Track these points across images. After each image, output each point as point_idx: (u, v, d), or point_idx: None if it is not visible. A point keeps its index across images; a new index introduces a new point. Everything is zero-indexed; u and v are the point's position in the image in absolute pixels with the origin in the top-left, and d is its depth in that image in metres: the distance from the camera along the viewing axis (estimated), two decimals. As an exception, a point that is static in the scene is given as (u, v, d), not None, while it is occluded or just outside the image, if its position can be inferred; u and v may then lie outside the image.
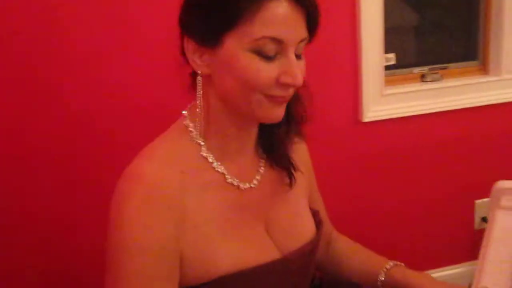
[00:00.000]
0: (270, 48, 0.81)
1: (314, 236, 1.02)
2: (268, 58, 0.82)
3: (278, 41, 0.81)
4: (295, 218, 1.03)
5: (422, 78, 2.11)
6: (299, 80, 0.83)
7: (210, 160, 0.91)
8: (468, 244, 2.29)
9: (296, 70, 0.83)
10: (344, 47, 1.91)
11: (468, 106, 2.10)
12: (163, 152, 0.90)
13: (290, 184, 1.01)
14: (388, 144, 2.08)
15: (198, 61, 0.87)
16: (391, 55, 2.03)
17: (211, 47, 0.84)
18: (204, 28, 0.83)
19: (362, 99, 1.95)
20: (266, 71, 0.82)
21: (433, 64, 2.14)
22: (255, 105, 0.85)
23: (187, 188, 0.87)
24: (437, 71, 2.13)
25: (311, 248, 1.01)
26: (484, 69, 2.20)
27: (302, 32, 0.84)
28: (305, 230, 1.02)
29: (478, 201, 2.27)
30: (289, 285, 0.96)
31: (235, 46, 0.81)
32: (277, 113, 0.87)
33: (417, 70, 2.11)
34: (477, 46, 2.21)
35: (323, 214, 1.16)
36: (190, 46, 0.86)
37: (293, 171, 1.01)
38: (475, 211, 2.29)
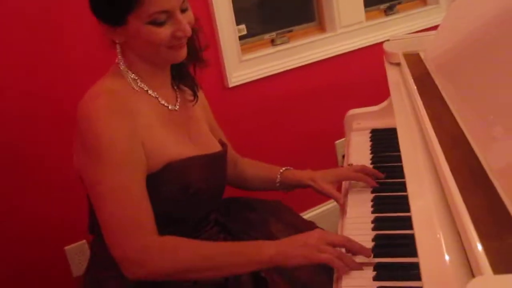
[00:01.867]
0: (161, 17, 1.11)
1: (221, 149, 1.32)
2: (161, 24, 1.12)
3: (165, 12, 1.11)
4: (206, 135, 1.35)
5: (272, 42, 2.43)
6: (188, 31, 1.15)
7: (145, 88, 1.21)
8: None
9: (184, 25, 1.14)
10: (202, 26, 2.16)
11: (313, 61, 2.45)
12: (110, 84, 1.18)
13: (195, 99, 1.33)
14: (253, 103, 2.36)
15: (112, 35, 1.17)
16: (242, 26, 2.31)
17: (120, 26, 1.13)
18: (111, 15, 1.13)
19: (224, 67, 2.22)
20: (162, 33, 1.12)
21: (280, 29, 2.47)
22: (163, 55, 1.17)
23: (132, 100, 1.17)
24: (284, 35, 2.46)
25: (221, 156, 1.31)
26: (321, 28, 2.56)
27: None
28: (213, 144, 1.33)
29: (337, 142, 2.64)
30: (212, 180, 1.26)
31: (137, 23, 1.11)
32: (180, 54, 1.19)
33: (267, 36, 2.42)
34: (313, 9, 2.57)
35: (227, 143, 1.46)
36: (104, 27, 1.16)
37: (195, 90, 1.34)
38: (336, 150, 2.66)
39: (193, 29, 1.19)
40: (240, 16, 2.27)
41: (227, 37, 2.20)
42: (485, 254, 0.57)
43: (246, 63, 2.29)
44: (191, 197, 1.18)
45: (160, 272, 1.06)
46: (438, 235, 0.70)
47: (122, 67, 1.20)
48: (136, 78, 1.21)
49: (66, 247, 2.04)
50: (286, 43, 2.44)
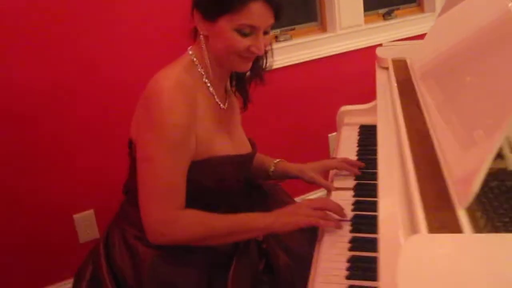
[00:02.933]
0: (246, 29, 1.25)
1: (252, 151, 1.49)
2: (244, 35, 1.25)
3: (252, 27, 1.25)
4: (242, 136, 1.51)
5: (276, 38, 2.61)
6: (261, 50, 1.29)
7: (208, 84, 1.35)
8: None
9: (260, 44, 1.27)
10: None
11: (313, 58, 2.64)
12: (182, 73, 1.29)
13: (245, 108, 1.52)
14: (254, 94, 2.53)
15: (200, 25, 1.29)
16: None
17: (210, 21, 1.27)
18: (208, 9, 1.26)
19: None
20: (241, 42, 1.26)
21: (283, 27, 2.65)
22: (231, 61, 1.30)
23: (196, 92, 1.31)
24: (287, 32, 2.64)
25: (251, 158, 1.48)
26: (322, 28, 2.74)
27: (270, 20, 1.27)
28: (246, 145, 1.49)
29: (330, 135, 2.83)
30: (238, 177, 1.42)
31: (225, 25, 1.25)
32: (245, 66, 1.34)
33: (271, 32, 2.59)
34: (316, 10, 2.74)
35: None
36: (196, 16, 1.29)
37: (247, 101, 1.52)
38: (329, 143, 2.85)
39: (265, 51, 1.36)
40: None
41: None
42: (425, 220, 0.76)
43: (250, 57, 2.46)
44: (222, 188, 1.36)
45: (176, 241, 1.25)
46: (396, 209, 0.89)
47: (195, 59, 1.33)
48: (203, 73, 1.34)
49: (75, 215, 2.23)
50: (289, 40, 2.62)
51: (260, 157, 1.63)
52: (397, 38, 2.76)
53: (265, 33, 1.30)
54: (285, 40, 2.61)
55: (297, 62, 2.60)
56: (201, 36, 1.31)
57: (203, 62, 1.33)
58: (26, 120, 2.08)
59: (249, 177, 1.52)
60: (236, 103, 1.51)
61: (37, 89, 2.06)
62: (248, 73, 1.44)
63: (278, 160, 1.63)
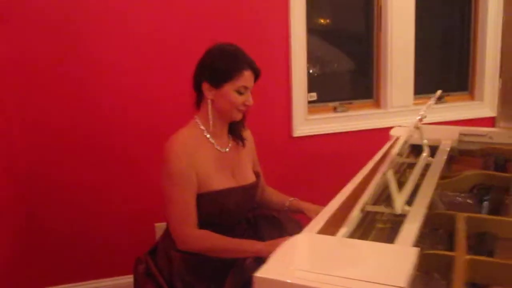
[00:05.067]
0: (242, 89, 1.84)
1: (254, 181, 2.01)
2: (241, 93, 1.84)
3: (246, 87, 1.84)
4: (245, 170, 2.01)
5: (335, 109, 3.20)
6: (252, 102, 1.88)
7: (208, 137, 1.91)
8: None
9: (251, 98, 1.88)
10: (280, 90, 3.00)
11: (364, 128, 3.17)
12: (185, 133, 1.89)
13: (243, 145, 2.02)
14: (311, 152, 3.12)
15: (208, 92, 1.86)
16: (313, 94, 3.11)
17: (216, 88, 1.85)
18: (215, 79, 1.84)
19: (292, 122, 3.02)
20: (240, 99, 1.85)
21: (342, 100, 3.23)
22: (231, 113, 1.87)
23: (197, 148, 1.87)
24: (344, 105, 3.22)
25: (254, 186, 2.01)
26: (377, 104, 3.29)
27: (253, 83, 1.87)
28: (250, 176, 2.01)
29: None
30: (244, 204, 1.95)
31: (229, 89, 1.83)
32: (240, 116, 1.91)
33: (331, 104, 3.20)
34: (373, 88, 3.30)
35: (261, 174, 2.13)
36: (205, 85, 1.86)
37: (242, 140, 2.02)
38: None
39: None
40: (313, 85, 3.09)
41: (298, 101, 3.01)
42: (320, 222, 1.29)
43: (310, 121, 3.08)
44: (225, 215, 1.89)
45: (192, 250, 1.81)
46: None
47: (198, 121, 1.90)
48: (204, 129, 1.90)
49: (156, 224, 2.89)
50: (346, 111, 3.19)
51: (279, 195, 2.18)
52: (442, 121, 3.20)
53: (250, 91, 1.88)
54: (343, 111, 3.18)
55: (350, 130, 3.14)
56: (209, 100, 1.86)
57: (205, 122, 1.89)
58: (116, 131, 2.73)
59: (259, 206, 2.09)
60: (242, 144, 2.01)
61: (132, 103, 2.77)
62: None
63: (292, 198, 2.14)
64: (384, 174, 1.40)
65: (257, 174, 2.07)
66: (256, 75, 1.89)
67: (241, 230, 1.97)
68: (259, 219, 2.07)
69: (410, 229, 1.22)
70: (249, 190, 1.98)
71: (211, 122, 1.89)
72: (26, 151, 2.63)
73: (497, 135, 2.06)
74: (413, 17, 3.19)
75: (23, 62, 2.55)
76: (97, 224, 2.82)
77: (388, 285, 0.92)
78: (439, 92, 2.15)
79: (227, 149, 1.97)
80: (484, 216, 1.46)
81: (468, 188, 1.68)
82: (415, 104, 3.28)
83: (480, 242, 1.32)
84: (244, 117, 1.98)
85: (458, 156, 2.06)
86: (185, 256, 1.83)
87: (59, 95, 2.63)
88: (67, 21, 2.57)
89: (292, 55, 2.93)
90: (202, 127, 1.91)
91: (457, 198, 1.64)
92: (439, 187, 1.63)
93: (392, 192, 1.34)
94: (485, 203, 1.61)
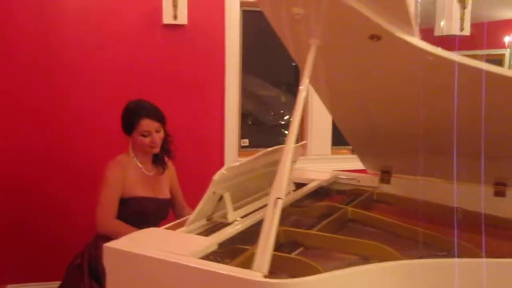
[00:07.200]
0: (145, 133, 2.45)
1: (168, 198, 2.63)
2: (145, 136, 2.46)
3: (148, 131, 2.46)
4: (163, 188, 2.61)
5: (264, 154, 3.76)
6: (156, 143, 2.48)
7: (138, 163, 2.54)
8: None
9: (155, 140, 2.47)
10: (215, 136, 3.62)
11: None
12: (123, 156, 2.53)
13: (163, 172, 2.61)
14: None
15: (127, 137, 2.52)
16: (246, 140, 3.70)
17: (129, 135, 2.50)
18: (126, 129, 2.51)
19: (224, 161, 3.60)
20: (145, 140, 2.46)
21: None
22: (146, 149, 2.49)
23: (129, 167, 2.51)
24: (272, 151, 3.78)
25: (167, 201, 2.62)
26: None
27: (156, 125, 2.47)
28: (165, 193, 2.61)
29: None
30: (159, 211, 2.56)
31: (136, 134, 2.47)
32: (155, 150, 2.52)
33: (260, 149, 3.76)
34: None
35: (181, 197, 2.75)
36: (125, 134, 2.52)
37: (164, 167, 2.62)
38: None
39: (165, 139, 2.54)
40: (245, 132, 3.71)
41: (231, 146, 3.63)
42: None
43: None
44: (144, 217, 2.45)
45: (106, 232, 2.34)
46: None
47: (130, 151, 2.53)
48: (134, 156, 2.52)
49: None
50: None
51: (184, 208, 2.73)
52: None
53: (157, 131, 2.47)
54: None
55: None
56: (130, 142, 2.52)
57: (134, 152, 2.53)
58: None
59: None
60: (166, 171, 2.62)
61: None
62: (159, 152, 2.55)
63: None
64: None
65: (172, 195, 2.69)
66: (157, 119, 2.48)
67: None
68: None
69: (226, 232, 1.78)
70: (163, 202, 2.60)
71: (132, 155, 2.55)
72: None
73: (363, 179, 2.66)
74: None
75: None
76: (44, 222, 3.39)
77: (183, 254, 1.48)
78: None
79: (151, 173, 2.59)
80: (295, 229, 1.98)
81: (317, 215, 2.23)
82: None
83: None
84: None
85: (334, 194, 2.64)
86: (99, 237, 2.38)
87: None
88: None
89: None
90: (132, 155, 2.55)
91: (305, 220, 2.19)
92: (296, 214, 2.20)
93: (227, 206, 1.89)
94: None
